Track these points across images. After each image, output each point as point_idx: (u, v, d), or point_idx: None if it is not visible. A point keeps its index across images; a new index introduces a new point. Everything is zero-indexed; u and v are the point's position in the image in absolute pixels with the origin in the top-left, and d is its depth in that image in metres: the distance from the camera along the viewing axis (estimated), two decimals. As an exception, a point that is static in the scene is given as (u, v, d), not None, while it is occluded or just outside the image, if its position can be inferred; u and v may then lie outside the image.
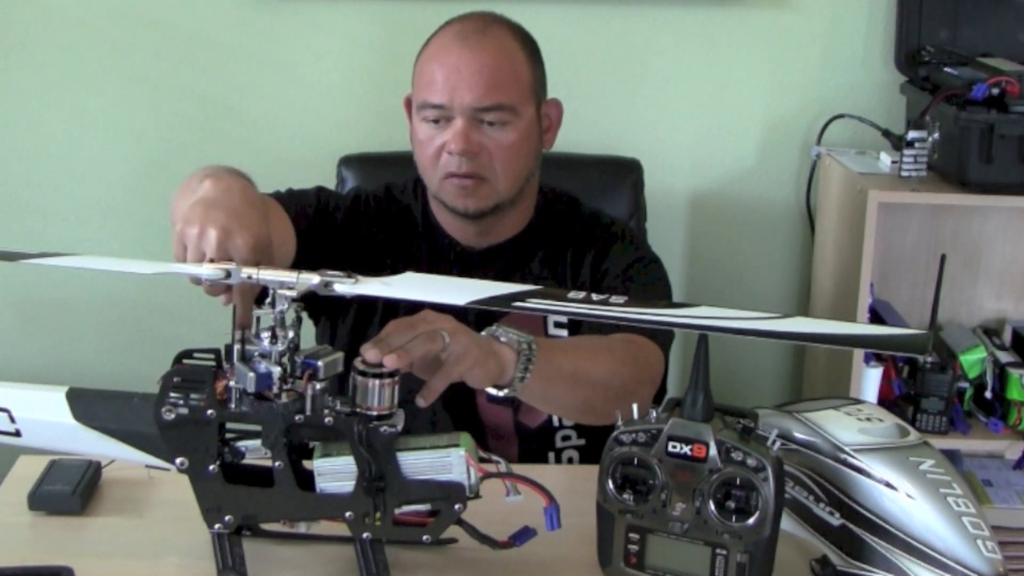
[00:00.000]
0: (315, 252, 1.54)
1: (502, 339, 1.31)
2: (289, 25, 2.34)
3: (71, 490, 1.36)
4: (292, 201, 1.63)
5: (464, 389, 1.31)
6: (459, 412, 1.63)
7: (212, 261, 1.16)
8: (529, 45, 1.65)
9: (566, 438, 1.69)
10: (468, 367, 1.24)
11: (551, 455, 1.69)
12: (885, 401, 2.19)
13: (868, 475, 1.14)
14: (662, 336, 1.56)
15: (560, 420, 1.68)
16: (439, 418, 1.62)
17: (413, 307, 1.24)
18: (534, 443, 1.68)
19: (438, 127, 1.59)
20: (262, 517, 1.21)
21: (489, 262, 1.68)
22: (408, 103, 1.67)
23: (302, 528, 1.21)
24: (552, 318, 1.65)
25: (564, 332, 1.65)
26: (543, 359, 1.33)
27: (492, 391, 1.32)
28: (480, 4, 1.71)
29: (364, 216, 1.70)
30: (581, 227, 1.72)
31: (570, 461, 1.70)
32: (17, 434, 1.23)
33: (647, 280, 1.67)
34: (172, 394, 1.16)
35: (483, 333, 1.31)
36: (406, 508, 1.18)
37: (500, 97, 1.58)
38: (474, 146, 1.57)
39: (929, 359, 2.14)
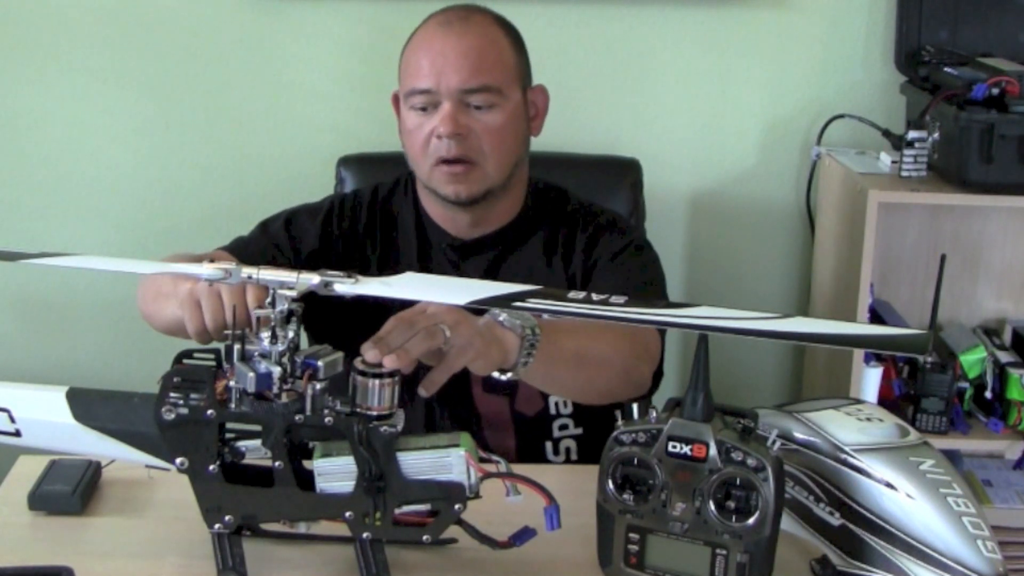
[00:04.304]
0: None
1: (505, 324, 1.30)
2: (289, 26, 2.34)
3: (71, 490, 1.35)
4: (250, 248, 1.65)
5: (459, 379, 1.30)
6: (454, 403, 1.63)
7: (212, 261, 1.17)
8: (511, 32, 1.67)
9: (563, 427, 1.69)
10: (471, 359, 1.24)
11: (548, 444, 1.69)
12: (885, 401, 2.18)
13: (868, 475, 1.14)
14: None
15: (557, 408, 1.68)
16: (434, 409, 1.62)
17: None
18: (531, 432, 1.68)
19: (426, 114, 1.60)
20: (262, 517, 1.21)
21: (481, 250, 1.68)
22: (396, 99, 1.68)
23: (302, 528, 1.21)
24: None
25: None
26: (546, 342, 1.32)
27: (495, 375, 1.31)
28: (475, 2, 1.70)
29: (339, 221, 1.72)
30: (571, 215, 1.73)
31: (567, 451, 1.70)
32: (17, 434, 1.23)
33: (638, 265, 1.67)
34: (172, 394, 1.16)
35: (485, 316, 1.31)
36: (406, 508, 1.18)
37: (486, 78, 1.59)
38: (462, 128, 1.58)
39: (929, 359, 2.14)
